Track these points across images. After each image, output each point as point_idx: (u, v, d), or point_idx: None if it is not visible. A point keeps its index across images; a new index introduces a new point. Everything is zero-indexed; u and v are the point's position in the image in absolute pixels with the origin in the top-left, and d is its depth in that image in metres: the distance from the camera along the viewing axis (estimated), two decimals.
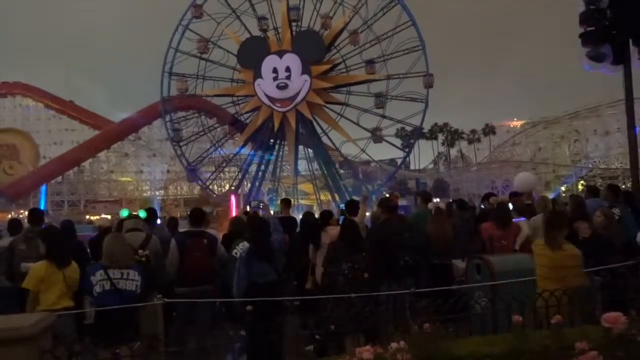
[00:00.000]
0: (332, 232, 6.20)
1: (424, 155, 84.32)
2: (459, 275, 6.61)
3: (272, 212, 7.74)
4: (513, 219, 6.83)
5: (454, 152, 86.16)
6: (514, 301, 4.02)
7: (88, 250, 6.90)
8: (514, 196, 8.73)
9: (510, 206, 7.57)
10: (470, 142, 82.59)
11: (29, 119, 70.20)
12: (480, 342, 3.33)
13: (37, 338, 3.42)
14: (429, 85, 33.09)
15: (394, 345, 2.57)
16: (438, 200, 21.71)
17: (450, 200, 13.64)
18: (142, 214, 6.89)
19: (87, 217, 56.41)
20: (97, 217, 56.65)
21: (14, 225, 7.32)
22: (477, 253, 6.29)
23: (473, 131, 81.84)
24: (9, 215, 50.54)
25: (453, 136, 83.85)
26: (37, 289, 5.03)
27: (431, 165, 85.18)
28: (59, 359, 3.71)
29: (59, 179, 63.56)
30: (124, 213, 7.60)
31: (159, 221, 8.93)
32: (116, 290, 4.91)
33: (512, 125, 75.39)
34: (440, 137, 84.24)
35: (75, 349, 5.33)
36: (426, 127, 55.66)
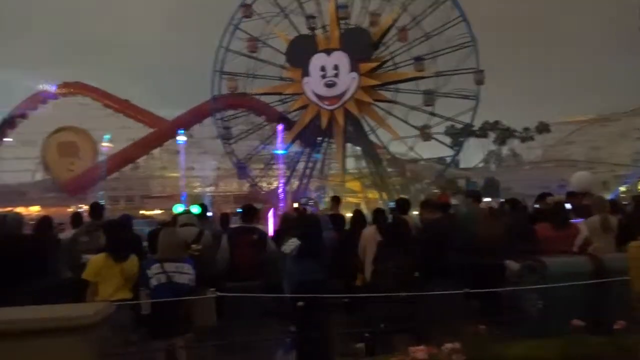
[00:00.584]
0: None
1: (474, 153, 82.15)
2: (512, 277, 6.43)
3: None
4: (571, 220, 6.58)
5: (505, 150, 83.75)
6: (571, 304, 3.89)
7: (146, 243, 7.14)
8: (571, 196, 8.41)
9: (568, 206, 7.30)
10: (522, 140, 79.86)
11: (88, 117, 73.23)
12: (535, 345, 3.25)
13: (97, 327, 3.56)
14: (479, 82, 32.43)
15: (448, 345, 2.54)
16: (489, 199, 21.20)
17: (502, 199, 13.30)
18: (196, 209, 7.08)
19: (142, 212, 58.38)
20: (151, 212, 58.57)
21: (76, 219, 7.68)
22: (531, 254, 6.10)
23: (526, 129, 79.16)
24: (70, 209, 53.02)
25: (505, 134, 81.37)
26: (95, 280, 5.25)
27: (482, 164, 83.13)
28: (117, 348, 3.86)
29: (116, 175, 66.25)
30: (178, 208, 7.82)
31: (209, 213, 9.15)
32: (171, 284, 5.06)
33: (567, 123, 72.53)
34: (492, 135, 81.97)
35: (132, 339, 5.56)
36: (477, 124, 54.15)
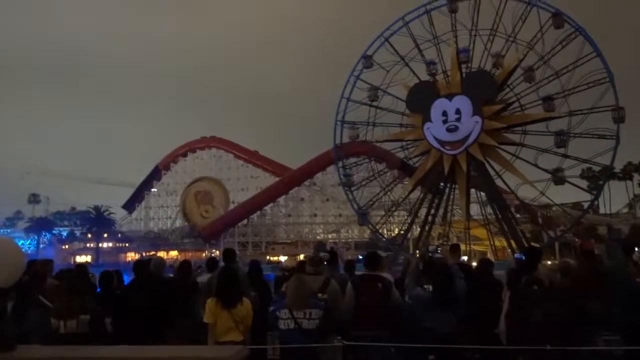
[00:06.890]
0: None
1: (616, 197, 74.49)
2: None
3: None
4: None
5: None
6: None
7: (272, 289, 7.38)
8: None
9: None
10: None
11: (222, 168, 79.45)
12: None
13: None
14: (619, 120, 29.83)
15: None
16: (637, 249, 18.96)
17: None
18: (326, 256, 7.20)
19: (268, 257, 60.91)
20: (277, 257, 60.80)
21: (212, 263, 8.21)
22: None
23: None
24: (204, 254, 57.01)
25: None
26: (211, 321, 5.49)
27: (625, 209, 75.01)
28: None
29: (245, 221, 70.29)
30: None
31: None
32: (300, 330, 5.14)
33: None
34: (637, 177, 74.06)
35: None
36: (618, 166, 49.37)
